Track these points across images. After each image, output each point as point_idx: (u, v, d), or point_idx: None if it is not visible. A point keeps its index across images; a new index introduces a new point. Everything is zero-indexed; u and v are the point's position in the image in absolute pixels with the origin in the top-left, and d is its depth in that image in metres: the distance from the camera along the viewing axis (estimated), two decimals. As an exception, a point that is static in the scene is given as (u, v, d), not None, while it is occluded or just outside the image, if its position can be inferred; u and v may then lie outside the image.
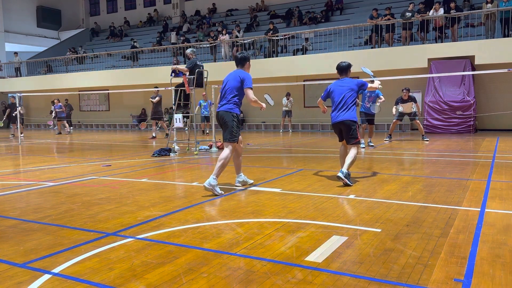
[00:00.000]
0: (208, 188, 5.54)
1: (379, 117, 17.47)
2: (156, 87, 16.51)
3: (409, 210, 4.59)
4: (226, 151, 5.73)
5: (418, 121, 12.79)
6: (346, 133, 6.36)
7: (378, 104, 10.96)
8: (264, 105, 5.98)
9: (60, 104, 20.75)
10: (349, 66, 6.62)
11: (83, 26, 34.67)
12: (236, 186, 6.16)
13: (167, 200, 5.39)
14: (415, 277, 2.84)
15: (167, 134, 16.07)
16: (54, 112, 20.70)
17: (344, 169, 6.06)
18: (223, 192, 5.64)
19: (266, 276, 2.90)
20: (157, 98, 16.06)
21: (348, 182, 5.98)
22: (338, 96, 6.41)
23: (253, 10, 26.90)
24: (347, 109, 6.34)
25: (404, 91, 12.76)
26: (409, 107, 12.78)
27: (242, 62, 6.00)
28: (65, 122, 20.92)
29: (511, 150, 10.22)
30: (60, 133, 20.55)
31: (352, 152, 6.26)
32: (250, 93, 5.73)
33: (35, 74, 28.44)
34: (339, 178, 6.03)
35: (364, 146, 11.13)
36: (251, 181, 6.34)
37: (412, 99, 12.81)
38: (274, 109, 20.26)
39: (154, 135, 16.39)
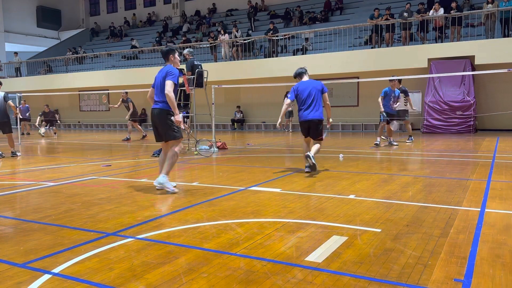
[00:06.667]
0: (159, 187, 5.80)
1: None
2: (125, 91, 15.78)
3: (409, 210, 4.59)
4: (174, 149, 5.82)
5: (408, 121, 12.03)
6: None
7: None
8: (182, 125, 6.04)
9: (27, 105, 20.40)
10: None
11: (83, 26, 34.69)
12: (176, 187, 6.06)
13: (167, 200, 5.39)
14: (415, 277, 2.84)
15: (127, 138, 15.50)
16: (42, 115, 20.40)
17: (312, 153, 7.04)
18: (176, 190, 5.75)
19: (266, 276, 2.90)
20: (119, 103, 15.54)
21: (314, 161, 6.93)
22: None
23: (252, 7, 26.75)
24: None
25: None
26: (402, 103, 11.48)
27: (166, 55, 5.91)
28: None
29: (511, 150, 10.22)
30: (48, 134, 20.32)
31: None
32: (168, 85, 5.60)
33: (35, 74, 28.42)
34: (307, 156, 6.95)
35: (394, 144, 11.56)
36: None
37: (403, 92, 11.41)
38: (274, 109, 20.30)
39: (128, 137, 15.61)
